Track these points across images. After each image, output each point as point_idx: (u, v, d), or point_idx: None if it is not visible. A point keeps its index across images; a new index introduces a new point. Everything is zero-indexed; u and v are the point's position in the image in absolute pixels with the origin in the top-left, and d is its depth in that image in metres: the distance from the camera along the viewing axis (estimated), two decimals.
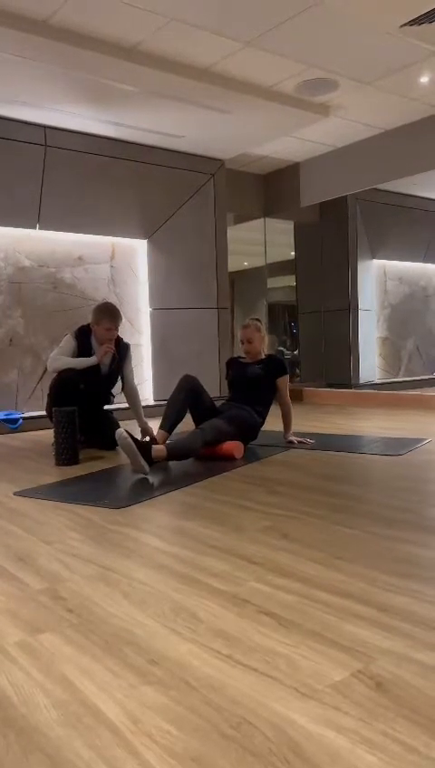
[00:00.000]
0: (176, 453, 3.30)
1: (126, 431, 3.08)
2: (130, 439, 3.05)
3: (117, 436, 3.06)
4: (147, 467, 3.09)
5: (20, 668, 1.26)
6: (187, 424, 3.67)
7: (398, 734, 1.01)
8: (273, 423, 4.01)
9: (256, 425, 3.79)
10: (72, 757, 0.98)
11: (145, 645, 1.34)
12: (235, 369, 3.99)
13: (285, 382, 3.92)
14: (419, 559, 1.85)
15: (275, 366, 3.91)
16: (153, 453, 3.15)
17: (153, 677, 1.21)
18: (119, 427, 3.91)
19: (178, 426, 3.60)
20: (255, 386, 3.84)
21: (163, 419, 3.57)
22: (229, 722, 1.05)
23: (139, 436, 3.91)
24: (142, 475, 3.09)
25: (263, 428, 3.88)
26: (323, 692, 1.14)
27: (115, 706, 1.11)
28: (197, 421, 3.68)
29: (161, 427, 3.54)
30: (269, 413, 3.92)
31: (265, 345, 4.01)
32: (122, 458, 3.45)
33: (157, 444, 3.33)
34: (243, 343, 3.98)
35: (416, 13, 3.77)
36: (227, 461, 3.43)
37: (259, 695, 1.13)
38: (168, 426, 3.54)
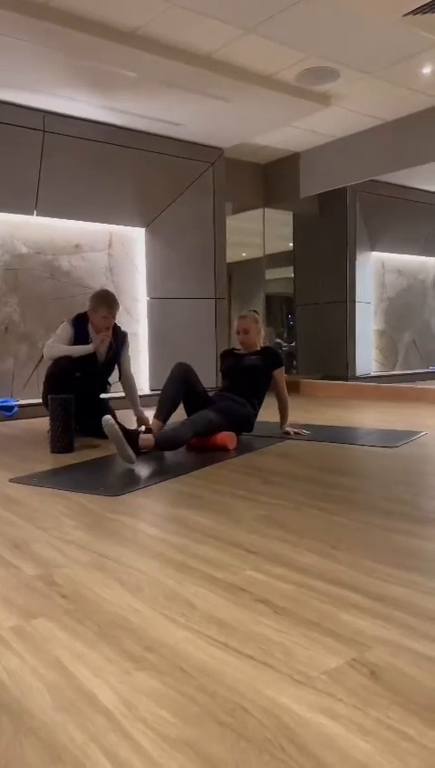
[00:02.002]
0: (164, 443, 3.27)
1: (112, 418, 3.03)
2: (117, 427, 2.98)
3: (103, 423, 2.97)
4: (134, 456, 3.03)
5: (14, 653, 1.26)
6: (179, 413, 3.65)
7: (392, 722, 1.01)
8: (269, 414, 4.01)
9: (250, 416, 3.77)
10: (65, 741, 0.97)
11: (140, 631, 1.34)
12: (230, 360, 3.98)
13: (281, 374, 3.91)
14: (415, 550, 1.85)
15: (271, 358, 3.90)
16: (141, 442, 3.12)
17: (148, 663, 1.20)
18: (115, 416, 3.90)
19: (174, 415, 3.59)
20: (250, 376, 3.83)
21: (158, 409, 3.55)
22: (224, 708, 1.05)
23: (135, 425, 3.91)
24: (129, 465, 3.04)
25: (260, 419, 3.87)
26: (318, 679, 1.13)
27: (109, 692, 1.11)
28: (188, 410, 3.65)
29: (156, 416, 3.53)
30: (265, 404, 3.92)
31: (261, 337, 4.00)
32: None
33: (153, 433, 3.32)
34: (239, 334, 3.96)
35: (419, 2, 3.74)
36: (222, 451, 3.42)
37: (254, 681, 1.13)
38: (162, 415, 3.52)
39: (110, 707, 1.06)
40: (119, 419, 3.71)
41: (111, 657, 1.24)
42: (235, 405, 3.69)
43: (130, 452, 3.02)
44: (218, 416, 3.51)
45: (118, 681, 1.15)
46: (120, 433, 2.99)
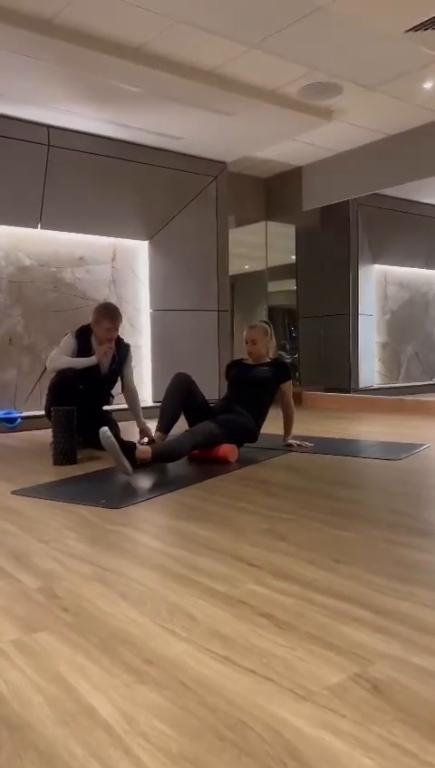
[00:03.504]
0: (162, 455, 3.23)
1: (109, 431, 2.99)
2: (113, 439, 2.96)
3: (100, 435, 2.95)
4: (130, 469, 3.00)
5: (15, 667, 1.25)
6: (181, 423, 3.65)
7: (395, 738, 1.00)
8: (272, 426, 4.00)
9: (252, 428, 3.73)
10: (65, 756, 0.97)
11: (141, 645, 1.33)
12: (238, 370, 3.95)
13: (289, 387, 3.90)
14: (417, 563, 1.84)
15: (280, 370, 3.89)
16: (138, 454, 3.09)
17: (148, 677, 1.20)
18: (117, 427, 3.90)
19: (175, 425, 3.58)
20: (257, 388, 3.80)
21: (159, 420, 3.54)
22: (225, 723, 1.04)
23: (138, 437, 3.90)
24: (126, 477, 3.01)
25: (262, 432, 3.85)
26: (320, 694, 1.13)
27: (110, 706, 1.10)
28: (190, 421, 3.64)
29: (158, 428, 3.52)
30: (269, 416, 3.90)
31: (270, 349, 3.98)
32: None
33: (154, 444, 3.32)
34: (247, 343, 3.95)
35: (421, 18, 3.77)
36: (224, 464, 3.40)
37: (256, 696, 1.12)
38: (164, 426, 3.51)
39: (110, 721, 1.06)
40: (121, 431, 3.71)
41: (112, 670, 1.23)
42: (237, 417, 3.66)
43: (127, 464, 3.00)
44: (220, 428, 3.49)
45: (119, 695, 1.14)
46: (117, 445, 2.97)
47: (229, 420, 3.59)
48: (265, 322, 4.07)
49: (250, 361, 3.95)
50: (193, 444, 3.34)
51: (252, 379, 3.82)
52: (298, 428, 4.17)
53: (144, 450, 3.15)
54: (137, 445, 3.18)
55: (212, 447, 3.44)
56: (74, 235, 5.66)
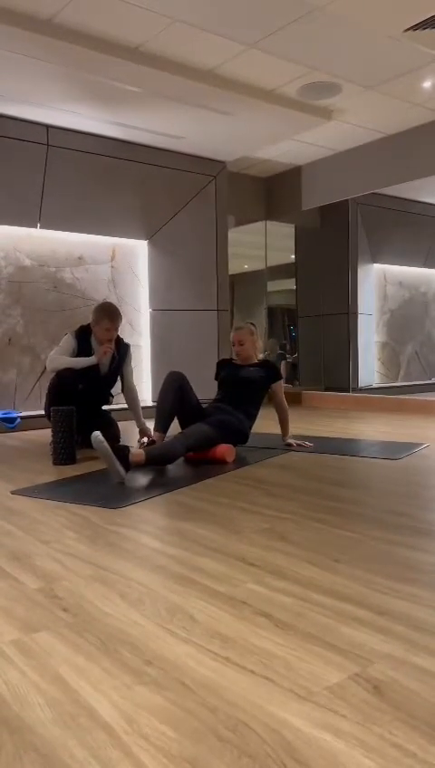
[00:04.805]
0: (156, 458, 3.21)
1: (101, 434, 2.93)
2: (106, 443, 2.92)
3: (92, 440, 2.91)
4: (123, 473, 2.97)
5: (14, 667, 1.25)
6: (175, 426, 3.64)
7: (395, 738, 1.00)
8: (271, 426, 4.00)
9: (245, 429, 3.72)
10: (65, 757, 0.97)
11: (141, 645, 1.33)
12: (228, 370, 3.95)
13: (280, 386, 3.90)
14: (416, 563, 1.84)
15: (270, 371, 3.90)
16: (131, 458, 3.06)
17: (148, 678, 1.20)
18: (117, 428, 3.91)
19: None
20: (248, 388, 3.80)
21: (156, 420, 3.54)
22: (225, 723, 1.04)
23: (137, 437, 3.91)
24: (119, 481, 2.97)
25: (262, 431, 3.86)
26: (320, 695, 1.13)
27: (110, 707, 1.10)
28: (182, 422, 3.63)
29: (156, 428, 3.52)
30: (265, 416, 3.90)
31: (258, 350, 3.99)
32: None
33: (153, 445, 3.32)
34: (234, 345, 3.96)
35: (420, 17, 3.77)
36: (222, 464, 3.40)
37: (256, 697, 1.12)
38: (162, 426, 3.51)
39: (110, 722, 1.06)
40: (120, 431, 3.72)
41: (112, 671, 1.23)
42: (230, 418, 3.65)
43: (120, 468, 2.95)
44: (213, 429, 3.48)
45: (119, 696, 1.14)
46: (110, 449, 2.93)
47: (223, 421, 3.59)
48: (251, 324, 4.08)
49: (239, 362, 3.96)
50: (186, 447, 3.33)
51: (242, 379, 3.83)
52: (298, 428, 4.17)
53: (138, 453, 3.13)
54: (130, 449, 3.16)
55: (207, 449, 3.44)
56: (74, 235, 5.66)
